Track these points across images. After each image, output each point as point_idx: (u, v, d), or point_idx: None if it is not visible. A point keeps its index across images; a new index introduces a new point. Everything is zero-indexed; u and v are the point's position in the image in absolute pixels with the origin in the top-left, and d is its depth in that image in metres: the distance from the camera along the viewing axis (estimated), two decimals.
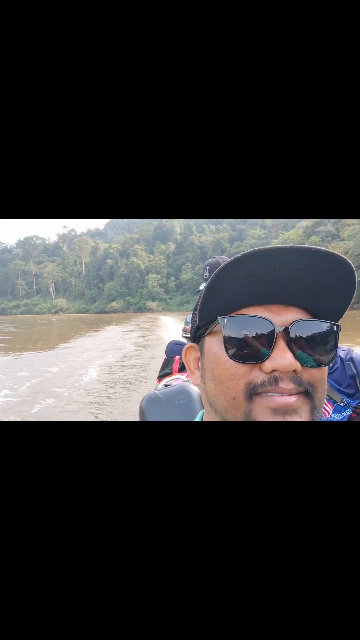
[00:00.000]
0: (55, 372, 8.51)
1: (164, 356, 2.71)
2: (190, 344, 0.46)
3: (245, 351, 0.37)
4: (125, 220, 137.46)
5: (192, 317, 0.46)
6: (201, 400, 0.50)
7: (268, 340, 0.36)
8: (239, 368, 0.37)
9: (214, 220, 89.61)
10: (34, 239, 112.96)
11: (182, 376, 2.16)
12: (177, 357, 2.51)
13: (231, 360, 0.38)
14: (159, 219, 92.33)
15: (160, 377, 2.56)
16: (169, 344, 2.70)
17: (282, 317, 0.38)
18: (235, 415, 0.37)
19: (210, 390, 0.40)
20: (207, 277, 1.98)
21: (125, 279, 78.64)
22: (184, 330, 3.25)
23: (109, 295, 78.92)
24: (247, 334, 0.37)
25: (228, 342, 0.38)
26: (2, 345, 14.88)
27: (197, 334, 0.44)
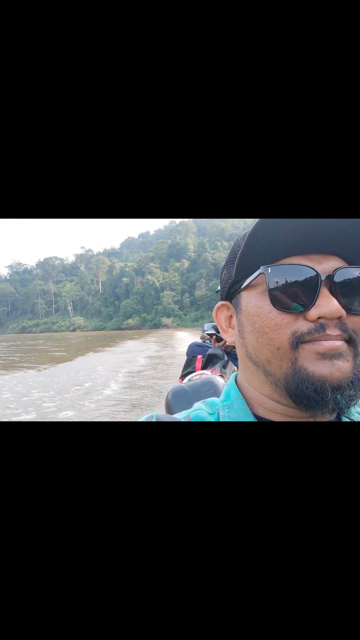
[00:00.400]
0: (116, 361, 14.24)
1: (183, 351, 2.88)
2: (221, 302, 0.46)
3: (289, 300, 0.37)
4: (140, 239, 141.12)
5: (222, 276, 0.47)
6: None
7: (312, 288, 0.37)
8: (283, 318, 0.37)
9: (227, 237, 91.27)
10: (53, 259, 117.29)
11: (207, 372, 2.15)
12: (199, 356, 2.54)
13: (275, 310, 0.38)
14: (173, 237, 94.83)
15: (183, 376, 2.56)
16: (189, 345, 2.89)
17: (323, 265, 0.38)
18: (280, 364, 0.37)
19: (251, 344, 0.40)
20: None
21: (140, 296, 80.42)
22: (202, 338, 3.49)
23: (125, 312, 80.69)
24: (291, 283, 0.37)
25: (272, 291, 0.38)
26: (65, 353, 20.69)
27: (232, 290, 0.44)
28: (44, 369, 12.90)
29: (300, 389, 0.36)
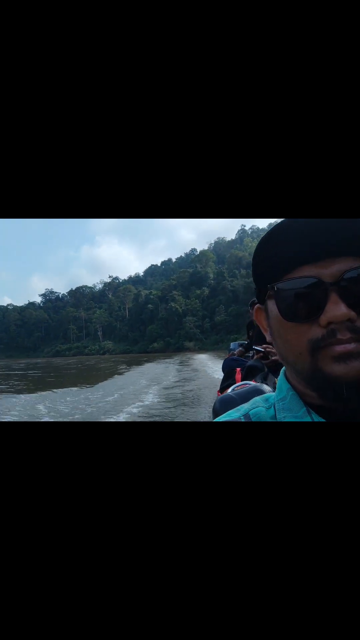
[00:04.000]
0: (159, 372, 19.61)
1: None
2: (258, 305, 0.48)
3: (299, 312, 0.39)
4: (163, 267, 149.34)
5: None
6: None
7: (320, 296, 0.38)
8: (299, 327, 0.39)
9: (244, 265, 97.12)
10: (83, 288, 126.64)
11: (250, 382, 2.11)
12: (238, 369, 2.60)
13: (289, 322, 0.40)
14: (194, 266, 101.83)
15: (222, 388, 2.63)
16: (225, 360, 3.04)
17: (331, 269, 0.38)
18: (303, 366, 0.40)
19: (280, 347, 0.43)
20: None
21: (164, 321, 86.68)
22: (232, 354, 3.74)
23: (150, 336, 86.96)
24: (298, 296, 0.39)
25: (281, 307, 0.40)
26: (123, 367, 27.21)
27: (260, 296, 0.46)
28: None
29: (321, 388, 0.39)
